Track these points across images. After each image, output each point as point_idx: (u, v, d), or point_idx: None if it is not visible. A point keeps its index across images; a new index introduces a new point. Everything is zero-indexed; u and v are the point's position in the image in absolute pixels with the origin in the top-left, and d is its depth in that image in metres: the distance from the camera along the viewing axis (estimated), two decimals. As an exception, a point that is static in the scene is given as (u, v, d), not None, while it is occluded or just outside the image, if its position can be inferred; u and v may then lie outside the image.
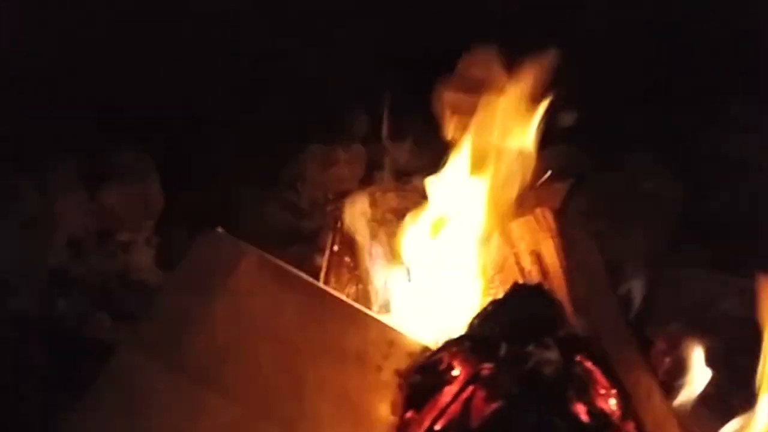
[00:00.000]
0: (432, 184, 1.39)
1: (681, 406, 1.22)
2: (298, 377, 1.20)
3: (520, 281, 1.19)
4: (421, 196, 1.98)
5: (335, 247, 1.53)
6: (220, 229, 1.27)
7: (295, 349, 1.23)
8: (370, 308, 1.39)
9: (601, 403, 1.03)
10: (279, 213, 1.95)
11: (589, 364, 1.07)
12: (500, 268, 1.27)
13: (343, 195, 2.04)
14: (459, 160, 1.38)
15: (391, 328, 1.28)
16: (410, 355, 1.20)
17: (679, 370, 1.33)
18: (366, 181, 2.06)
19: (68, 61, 1.63)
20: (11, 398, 1.32)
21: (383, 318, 1.32)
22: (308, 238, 1.87)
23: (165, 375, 1.14)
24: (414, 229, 1.40)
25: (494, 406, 1.00)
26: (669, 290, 1.50)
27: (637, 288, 1.41)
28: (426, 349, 1.23)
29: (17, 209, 1.50)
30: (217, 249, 1.25)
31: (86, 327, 1.47)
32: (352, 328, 1.27)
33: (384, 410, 1.14)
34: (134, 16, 1.72)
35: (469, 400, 1.01)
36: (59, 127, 1.58)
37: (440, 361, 1.07)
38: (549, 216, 1.27)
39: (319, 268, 1.72)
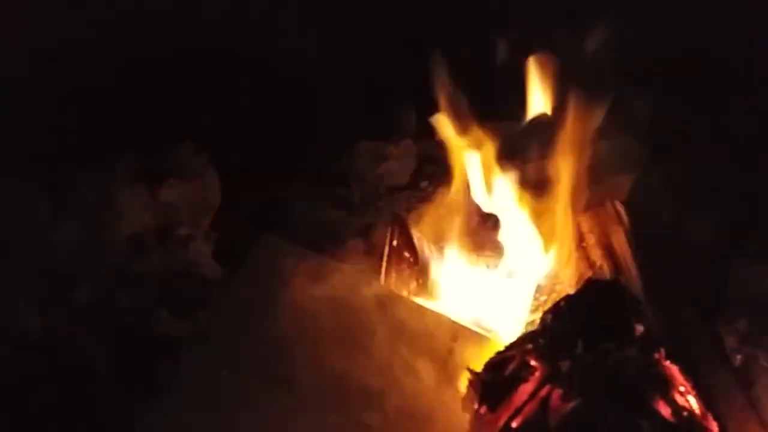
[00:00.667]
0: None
1: (759, 402, 1.19)
2: (366, 374, 1.20)
3: (592, 276, 1.16)
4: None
5: (394, 242, 1.51)
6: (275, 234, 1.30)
7: (360, 346, 1.24)
8: (431, 303, 1.38)
9: (682, 401, 1.00)
10: (331, 209, 1.95)
11: (666, 362, 1.04)
12: (567, 263, 1.24)
13: (395, 190, 2.05)
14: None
15: (454, 322, 1.27)
16: (475, 349, 1.20)
17: (751, 366, 1.29)
18: (417, 176, 2.07)
19: (128, 63, 1.65)
20: (77, 394, 1.34)
21: (446, 312, 1.31)
22: (361, 234, 1.87)
23: (234, 374, 1.15)
24: (476, 222, 1.38)
25: (572, 404, 0.98)
26: (737, 284, 1.46)
27: (706, 282, 1.37)
28: (488, 342, 1.21)
29: (80, 206, 1.51)
30: (275, 252, 1.28)
31: (147, 322, 1.49)
32: (416, 323, 1.27)
33: (454, 406, 1.13)
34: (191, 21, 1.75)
35: (546, 399, 0.99)
36: (119, 126, 1.60)
37: (514, 358, 1.05)
38: (619, 208, 1.23)
39: (375, 263, 1.73)
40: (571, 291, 1.13)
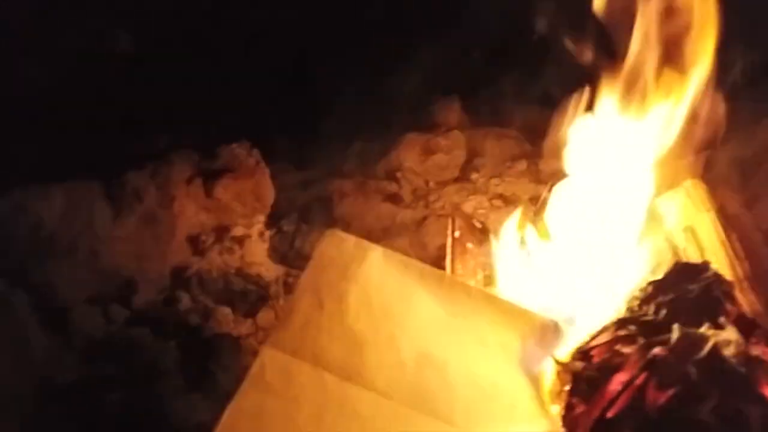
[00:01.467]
0: (572, 159, 1.31)
1: None
2: (443, 367, 1.17)
3: (677, 260, 1.12)
4: (529, 181, 1.97)
5: (456, 234, 1.49)
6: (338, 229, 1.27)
7: (433, 339, 1.21)
8: (499, 293, 1.35)
9: (786, 387, 0.95)
10: (381, 204, 1.93)
11: (763, 345, 1.00)
12: (650, 247, 1.20)
13: (444, 183, 2.02)
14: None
15: (526, 312, 1.23)
16: (552, 339, 1.16)
17: None
18: (467, 168, 2.04)
19: (182, 61, 1.64)
20: (143, 394, 1.33)
21: (517, 302, 1.28)
22: (412, 228, 1.85)
23: (310, 372, 1.12)
24: (547, 211, 1.34)
25: (671, 392, 0.94)
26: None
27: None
28: (567, 332, 1.17)
29: (138, 207, 1.51)
30: (341, 247, 1.24)
31: (210, 322, 1.47)
32: (488, 314, 1.23)
33: (538, 398, 1.09)
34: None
35: (642, 388, 0.95)
36: (174, 126, 1.59)
37: (604, 346, 1.02)
38: (702, 188, 1.18)
39: (432, 257, 1.70)
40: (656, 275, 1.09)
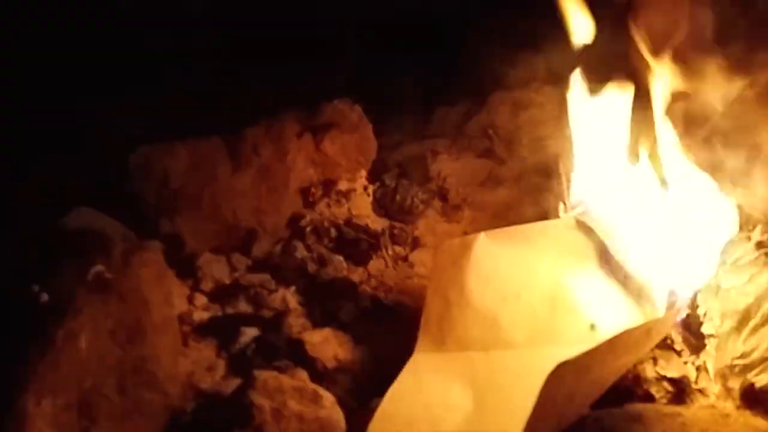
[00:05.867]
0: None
1: None
2: (569, 300, 1.22)
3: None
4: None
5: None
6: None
7: (554, 282, 1.27)
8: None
9: None
10: (475, 160, 1.96)
11: None
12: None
13: (539, 139, 2.03)
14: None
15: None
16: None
17: None
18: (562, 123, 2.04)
19: (283, 18, 1.71)
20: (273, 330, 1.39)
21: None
22: (510, 184, 1.87)
23: (457, 359, 1.20)
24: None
25: None
26: None
27: None
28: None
29: (255, 161, 1.58)
30: (450, 250, 1.32)
31: (326, 268, 1.54)
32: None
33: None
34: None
35: None
36: (283, 82, 1.67)
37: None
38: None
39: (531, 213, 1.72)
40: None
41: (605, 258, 1.28)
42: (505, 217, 1.68)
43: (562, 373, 0.93)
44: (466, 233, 1.62)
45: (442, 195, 1.81)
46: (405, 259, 1.62)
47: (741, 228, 1.18)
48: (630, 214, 1.36)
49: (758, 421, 0.87)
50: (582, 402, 1.05)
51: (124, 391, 1.04)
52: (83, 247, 1.17)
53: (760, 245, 1.12)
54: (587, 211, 1.40)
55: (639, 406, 0.97)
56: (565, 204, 1.45)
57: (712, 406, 0.98)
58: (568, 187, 1.50)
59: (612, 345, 1.02)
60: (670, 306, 1.17)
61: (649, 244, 1.29)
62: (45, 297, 0.99)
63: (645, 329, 1.08)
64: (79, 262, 1.13)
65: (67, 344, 0.98)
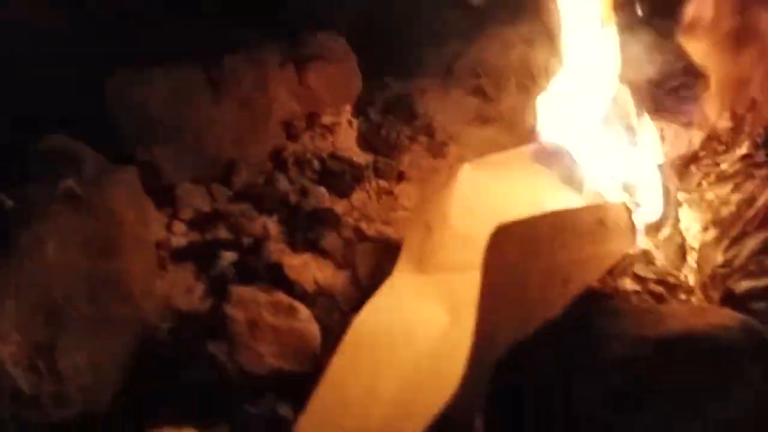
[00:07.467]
0: None
1: None
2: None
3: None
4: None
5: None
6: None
7: (533, 205, 1.25)
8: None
9: None
10: (466, 98, 1.93)
11: None
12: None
13: (528, 77, 2.00)
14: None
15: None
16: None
17: None
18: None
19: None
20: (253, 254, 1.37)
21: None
22: (498, 121, 1.84)
23: (435, 280, 1.19)
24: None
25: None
26: None
27: None
28: None
29: (236, 92, 1.55)
30: (435, 180, 1.41)
31: (308, 199, 1.52)
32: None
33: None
34: None
35: None
36: (266, 16, 1.63)
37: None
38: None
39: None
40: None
41: (573, 178, 1.29)
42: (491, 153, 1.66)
43: (502, 239, 0.93)
44: (451, 168, 1.61)
45: (429, 132, 1.79)
46: (389, 192, 1.60)
47: (729, 142, 1.16)
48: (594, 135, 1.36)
49: (736, 314, 0.86)
50: (544, 300, 1.03)
51: (95, 302, 1.03)
52: (54, 163, 1.15)
53: (745, 157, 1.10)
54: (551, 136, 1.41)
55: (612, 302, 0.95)
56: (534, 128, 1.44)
57: (690, 301, 0.97)
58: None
59: (555, 226, 1.02)
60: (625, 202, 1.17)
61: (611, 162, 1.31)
62: (9, 203, 0.96)
63: (593, 216, 1.08)
64: (50, 177, 1.11)
65: (33, 250, 0.96)
